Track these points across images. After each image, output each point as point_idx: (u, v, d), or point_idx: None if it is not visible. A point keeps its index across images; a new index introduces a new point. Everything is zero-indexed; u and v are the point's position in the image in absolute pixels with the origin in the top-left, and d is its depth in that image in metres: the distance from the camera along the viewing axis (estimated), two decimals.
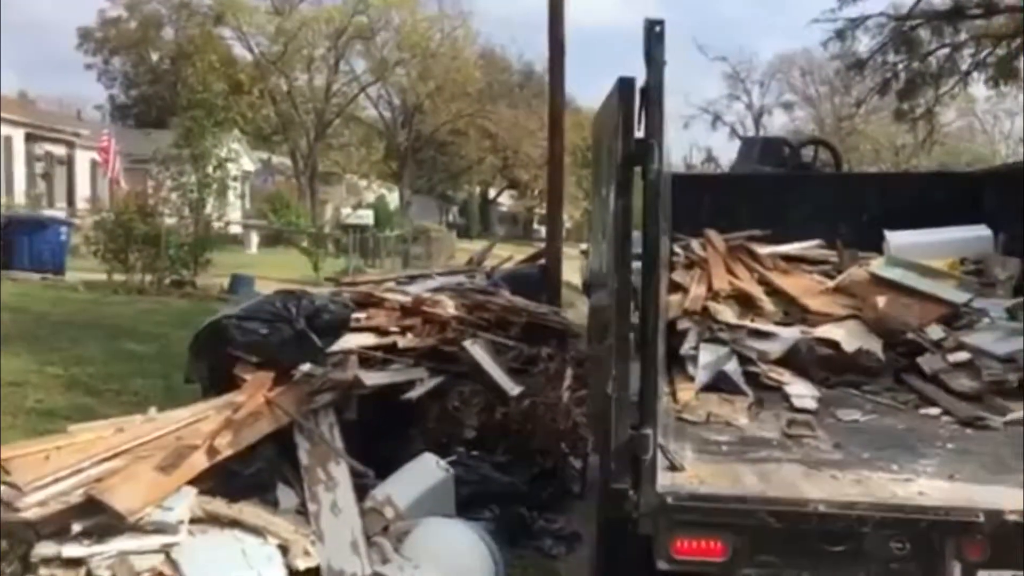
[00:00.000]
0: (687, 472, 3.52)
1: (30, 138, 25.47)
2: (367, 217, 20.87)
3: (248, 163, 34.23)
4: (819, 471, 3.57)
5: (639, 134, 3.24)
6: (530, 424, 5.90)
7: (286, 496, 4.38)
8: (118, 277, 17.24)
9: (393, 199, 45.38)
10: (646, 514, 3.25)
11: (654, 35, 3.17)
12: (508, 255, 13.27)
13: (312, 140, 41.94)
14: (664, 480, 3.32)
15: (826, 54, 26.35)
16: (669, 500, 3.24)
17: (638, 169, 3.25)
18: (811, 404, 4.67)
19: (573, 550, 5.26)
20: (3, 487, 3.69)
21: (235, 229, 27.03)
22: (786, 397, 4.83)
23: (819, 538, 3.17)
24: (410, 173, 47.55)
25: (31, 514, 3.56)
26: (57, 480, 3.65)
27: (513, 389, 5.88)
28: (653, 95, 3.20)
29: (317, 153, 42.06)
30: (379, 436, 5.32)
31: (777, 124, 53.76)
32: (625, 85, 3.27)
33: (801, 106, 55.83)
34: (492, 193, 60.43)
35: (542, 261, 11.25)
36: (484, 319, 6.89)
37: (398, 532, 4.47)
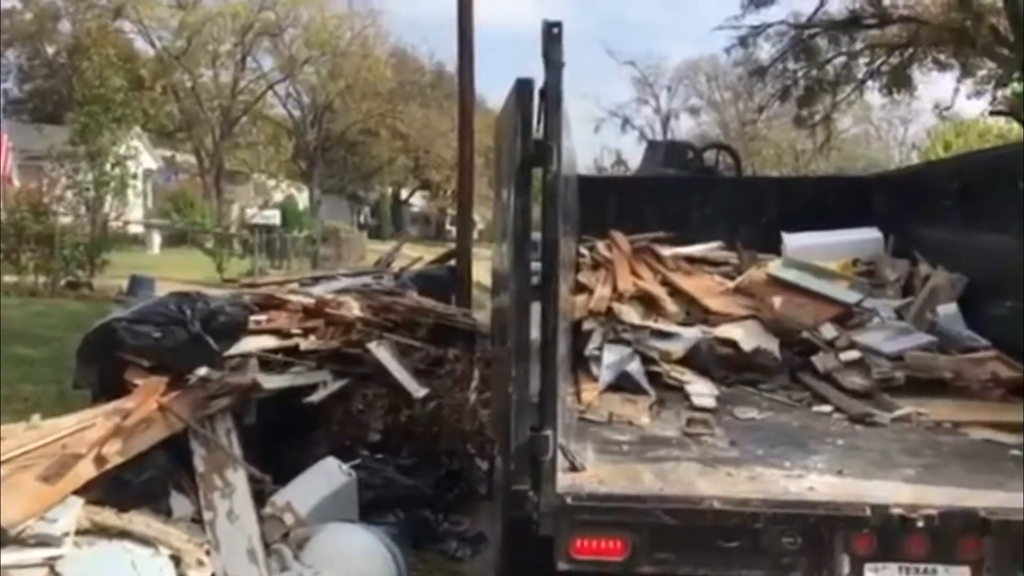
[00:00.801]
0: (587, 472, 3.53)
1: None
2: (274, 217, 20.47)
3: (150, 161, 33.21)
4: (715, 469, 3.63)
5: (538, 135, 3.25)
6: (436, 426, 5.86)
7: (180, 504, 4.24)
8: (9, 279, 16.50)
9: (303, 199, 44.64)
10: (546, 515, 3.25)
11: (552, 36, 3.17)
12: (419, 256, 13.19)
13: (218, 138, 40.95)
14: (564, 481, 3.32)
15: (730, 60, 27.08)
16: (568, 500, 3.25)
17: (538, 171, 3.26)
18: (710, 403, 4.76)
19: (478, 552, 5.24)
20: None
21: (136, 229, 26.19)
22: (687, 396, 4.91)
23: (714, 535, 3.22)
24: (320, 173, 46.87)
25: None
26: None
27: (418, 391, 5.83)
28: (552, 96, 3.21)
29: (223, 151, 41.09)
30: (281, 441, 5.21)
31: (684, 128, 54.95)
32: (523, 86, 3.26)
33: (707, 111, 57.24)
34: (404, 194, 60.03)
35: (452, 262, 11.23)
36: (390, 320, 6.81)
37: (298, 538, 4.38)
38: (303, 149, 46.02)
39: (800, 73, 23.40)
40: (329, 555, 4.15)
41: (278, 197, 42.46)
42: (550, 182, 3.23)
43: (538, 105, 3.26)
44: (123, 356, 4.65)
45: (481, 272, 14.35)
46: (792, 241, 6.88)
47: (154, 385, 4.48)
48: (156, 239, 28.85)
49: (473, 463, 6.15)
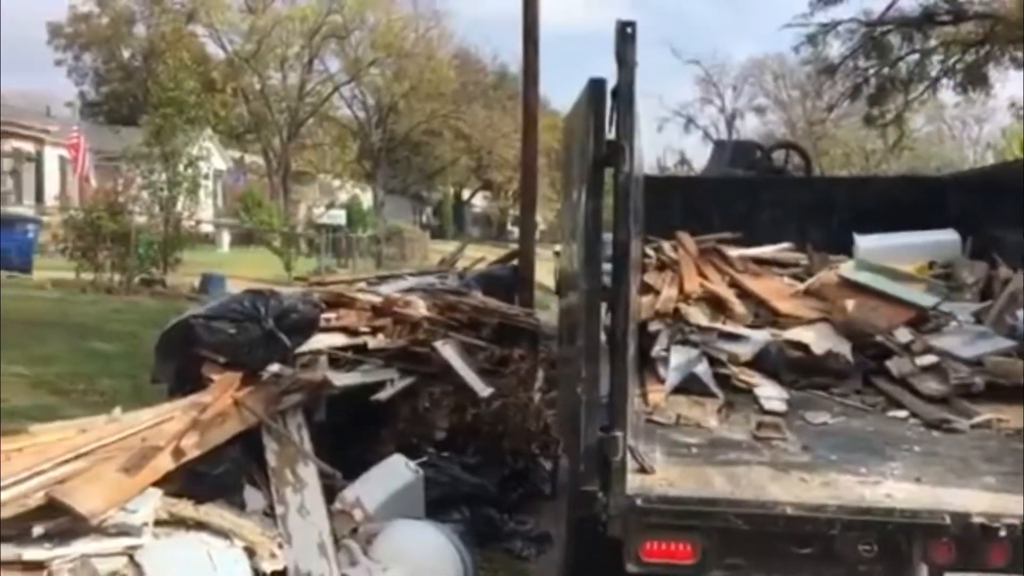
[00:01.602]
0: (657, 474, 3.51)
1: None
2: (340, 217, 20.72)
3: (220, 162, 33.94)
4: (788, 473, 3.58)
5: (610, 135, 3.24)
6: (501, 425, 5.88)
7: (253, 498, 4.32)
8: (86, 276, 17.03)
9: (366, 199, 45.18)
10: (615, 516, 3.24)
11: (625, 36, 3.17)
12: (481, 256, 13.25)
13: (285, 139, 41.64)
14: (634, 482, 3.31)
15: (798, 59, 26.59)
16: (638, 502, 3.24)
17: (609, 171, 3.25)
18: (780, 406, 4.69)
19: (543, 552, 5.24)
20: None
21: (207, 228, 26.80)
22: (756, 399, 4.84)
23: (788, 540, 3.18)
24: (384, 173, 47.35)
25: None
26: (17, 482, 3.57)
27: (484, 390, 5.86)
28: (624, 96, 3.20)
29: (290, 152, 41.77)
30: (349, 437, 5.27)
31: (749, 128, 54.12)
32: (596, 86, 3.25)
33: (773, 110, 56.28)
34: (466, 194, 60.34)
35: (515, 262, 11.25)
36: (455, 320, 6.86)
37: (367, 534, 4.43)
38: (367, 150, 46.53)
39: (871, 71, 22.89)
40: (397, 551, 4.19)
41: (343, 197, 43.05)
42: (622, 182, 3.21)
43: (610, 105, 3.25)
44: (199, 352, 4.76)
45: (542, 273, 14.38)
46: (865, 243, 6.74)
47: (229, 380, 4.58)
48: (226, 238, 29.50)
49: (537, 463, 6.16)
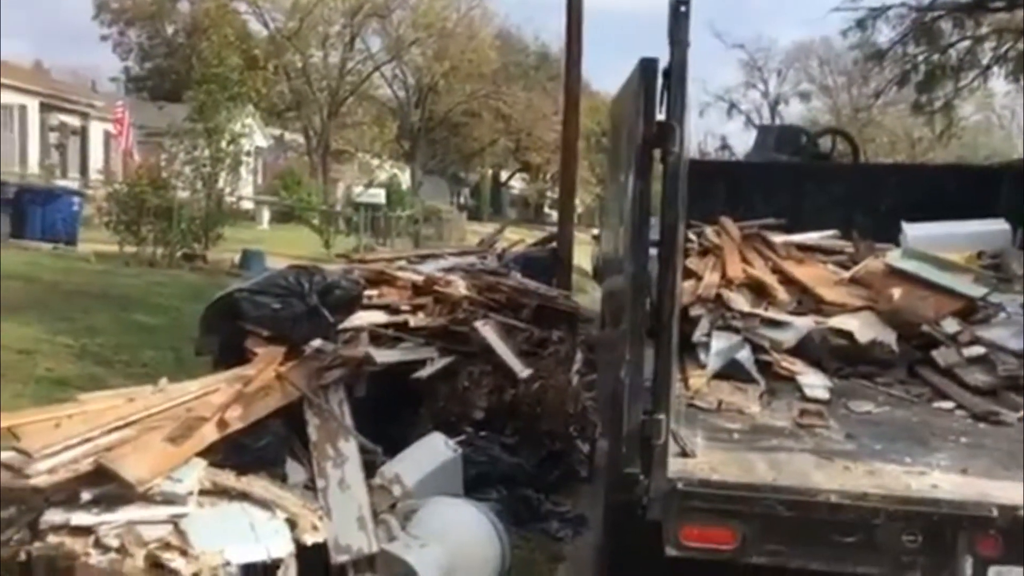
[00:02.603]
0: (698, 459, 3.51)
1: (44, 108, 25.47)
2: (379, 196, 20.76)
3: (261, 139, 34.18)
4: (831, 461, 3.55)
5: (660, 116, 3.21)
6: (539, 406, 5.88)
7: (294, 471, 4.37)
8: (129, 249, 17.25)
9: (404, 179, 45.29)
10: (656, 499, 3.24)
11: (679, 15, 3.13)
12: (519, 238, 13.26)
13: (325, 117, 41.80)
14: (675, 466, 3.31)
15: (845, 43, 26.13)
16: (680, 486, 3.24)
17: (656, 153, 3.22)
18: (823, 394, 4.65)
19: (579, 533, 5.25)
20: (13, 453, 3.69)
21: (247, 204, 27.03)
22: (798, 387, 4.80)
23: (830, 528, 3.16)
24: (422, 153, 47.40)
25: (40, 481, 3.55)
26: (67, 448, 3.64)
27: (523, 371, 5.87)
28: (676, 76, 3.17)
29: (330, 131, 41.94)
30: (388, 414, 5.31)
31: (793, 113, 53.34)
32: (648, 66, 3.23)
33: (818, 96, 55.37)
34: (504, 176, 60.25)
35: (553, 245, 11.24)
36: (495, 300, 6.87)
37: (405, 510, 4.46)
38: (406, 130, 46.58)
39: (920, 58, 22.44)
40: (436, 528, 4.22)
41: (381, 176, 43.20)
42: (672, 164, 3.19)
43: (661, 85, 3.22)
44: (244, 326, 4.81)
45: (580, 256, 14.34)
46: (913, 231, 6.63)
47: (273, 354, 4.62)
48: (265, 215, 29.73)
49: (574, 445, 6.15)
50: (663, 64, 3.21)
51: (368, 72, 44.44)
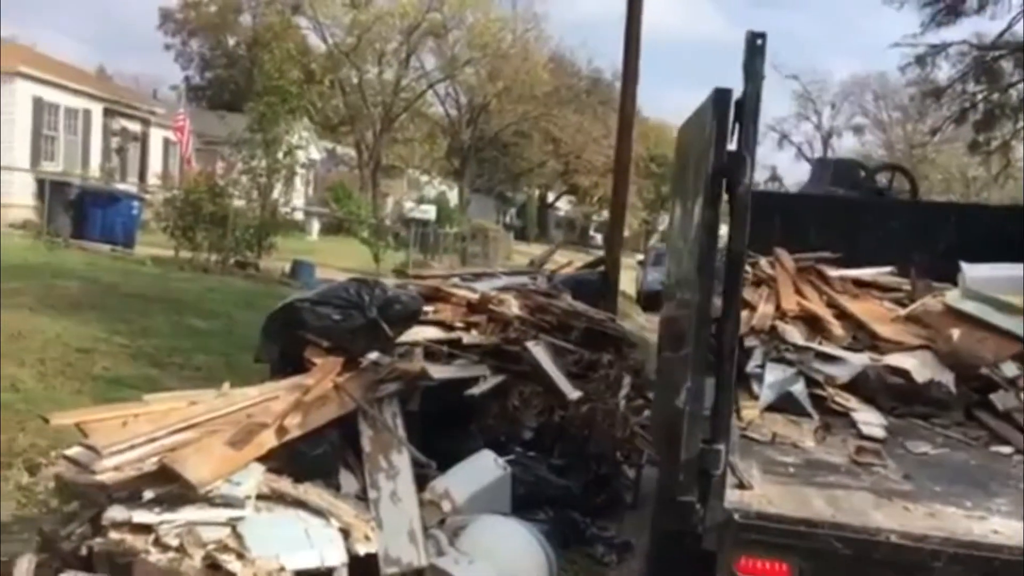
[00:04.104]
0: (755, 491, 3.49)
1: (108, 113, 26.07)
2: (430, 212, 20.92)
3: (314, 151, 34.66)
4: (890, 501, 3.50)
5: (731, 147, 3.23)
6: (587, 429, 5.89)
7: (347, 481, 4.42)
8: (184, 254, 17.58)
9: (452, 196, 45.58)
10: (712, 529, 3.23)
11: (755, 48, 3.16)
12: (568, 260, 13.30)
13: (378, 133, 42.29)
14: (732, 497, 3.30)
15: (903, 79, 25.88)
16: (737, 517, 3.22)
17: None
18: (879, 432, 4.58)
19: (624, 560, 5.24)
20: (81, 449, 3.79)
21: (298, 215, 27.39)
22: (853, 423, 4.74)
23: (887, 568, 3.12)
24: (471, 172, 47.72)
25: (107, 477, 3.65)
26: (133, 447, 3.74)
27: (572, 393, 5.88)
28: (749, 107, 3.19)
29: (382, 146, 42.42)
30: (438, 430, 5.35)
31: (846, 147, 52.89)
32: (721, 96, 3.25)
33: (871, 130, 54.87)
34: (551, 197, 60.40)
35: (602, 268, 11.26)
36: (546, 321, 6.90)
37: (454, 526, 4.49)
38: (456, 148, 46.96)
39: (979, 96, 22.15)
40: (485, 545, 4.24)
41: (430, 193, 43.53)
42: (740, 194, 3.21)
43: (733, 116, 3.25)
44: (303, 335, 4.89)
45: (624, 281, 14.28)
46: (972, 272, 6.51)
47: (331, 365, 4.69)
48: (315, 226, 30.12)
49: (620, 470, 6.15)
50: (736, 95, 3.24)
51: (422, 90, 44.92)
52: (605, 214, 58.83)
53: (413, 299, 5.37)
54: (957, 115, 23.36)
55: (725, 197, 3.29)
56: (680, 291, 3.87)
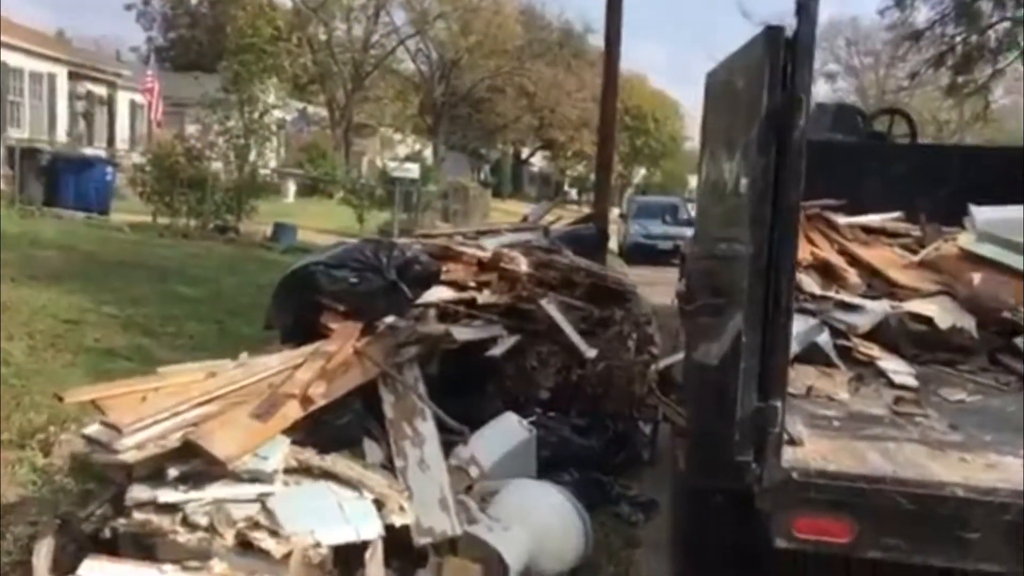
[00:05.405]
0: (808, 447, 3.38)
1: (72, 76, 25.36)
2: (413, 171, 20.52)
3: (285, 112, 33.96)
4: (944, 452, 3.41)
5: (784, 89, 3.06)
6: (604, 387, 5.78)
7: (372, 450, 4.27)
8: (162, 220, 17.20)
9: (426, 155, 45.01)
10: (769, 489, 3.12)
11: None
12: (558, 216, 13.11)
13: (349, 91, 41.55)
14: (788, 455, 3.19)
15: (880, 23, 25.71)
16: (795, 476, 3.12)
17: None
18: (912, 381, 4.50)
19: (651, 518, 5.14)
20: (99, 427, 3.60)
21: (274, 178, 26.88)
22: (881, 373, 4.66)
23: (953, 523, 3.03)
24: (444, 129, 47.12)
25: (128, 456, 3.46)
26: (155, 423, 3.55)
27: (589, 351, 5.75)
28: (804, 46, 3.02)
29: (353, 105, 41.69)
30: (456, 393, 5.20)
31: (819, 93, 52.68)
32: (773, 35, 3.08)
33: (843, 77, 54.69)
34: (525, 153, 59.91)
35: (591, 223, 11.10)
36: (550, 278, 6.75)
37: (483, 492, 4.37)
38: (430, 105, 46.30)
39: (958, 39, 22.04)
40: (518, 511, 4.12)
41: (402, 151, 42.92)
42: (796, 139, 3.06)
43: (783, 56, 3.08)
44: (319, 300, 4.69)
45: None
46: (982, 214, 6.44)
47: (350, 330, 4.51)
48: (291, 188, 29.65)
49: (637, 428, 6.04)
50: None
51: (392, 46, 44.14)
52: (580, 168, 58.64)
53: (432, 259, 5.18)
54: (935, 58, 23.25)
55: None
56: (722, 244, 3.72)
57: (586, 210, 17.41)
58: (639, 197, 33.95)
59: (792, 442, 3.37)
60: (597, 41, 44.53)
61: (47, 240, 13.02)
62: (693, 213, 27.41)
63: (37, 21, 36.15)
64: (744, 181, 3.29)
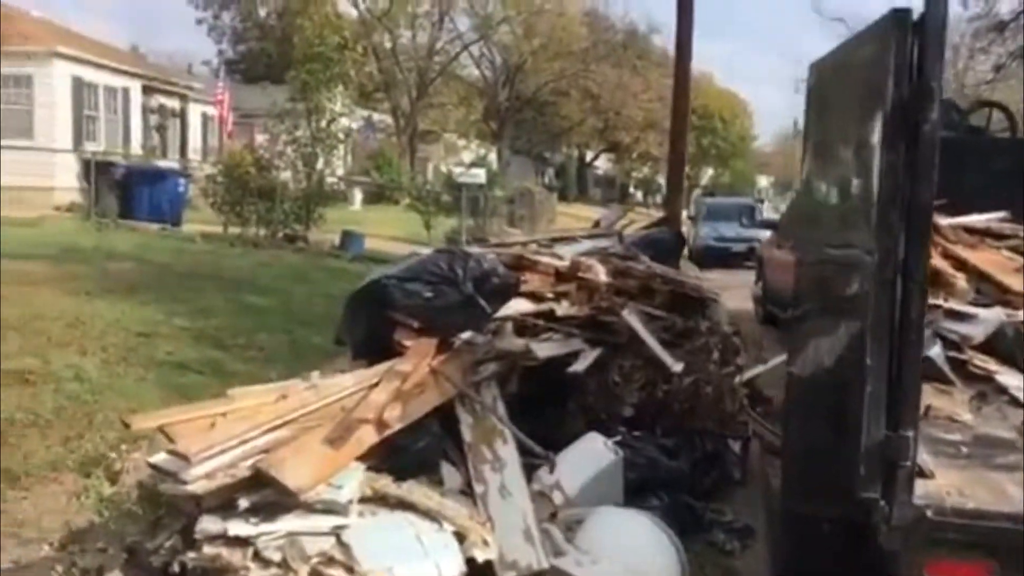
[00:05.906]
0: (939, 480, 3.02)
1: (146, 90, 25.79)
2: (480, 176, 20.30)
3: (352, 120, 34.14)
4: None
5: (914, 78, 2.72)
6: (692, 404, 5.43)
7: (450, 475, 4.01)
8: (233, 230, 17.30)
9: (490, 160, 44.89)
10: (899, 528, 2.77)
11: None
12: (629, 219, 12.77)
13: (413, 98, 41.66)
14: (919, 489, 2.83)
15: (960, 14, 24.77)
16: (929, 514, 2.76)
17: None
18: None
19: (747, 546, 4.77)
20: (167, 456, 3.41)
21: (341, 186, 26.96)
22: (1003, 389, 4.24)
23: None
24: (509, 133, 46.96)
25: (197, 487, 3.26)
26: (224, 451, 3.35)
27: (675, 365, 5.41)
28: (934, 30, 2.68)
29: (417, 111, 41.79)
30: (536, 411, 4.92)
31: None
32: (901, 17, 2.74)
33: None
34: (589, 156, 59.43)
35: (663, 227, 10.73)
36: (629, 286, 6.42)
37: (568, 520, 4.08)
38: (493, 110, 46.20)
39: None
40: (608, 542, 3.82)
41: (467, 157, 42.89)
42: (928, 133, 2.71)
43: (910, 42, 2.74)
44: (392, 315, 4.45)
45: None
46: None
47: (425, 347, 4.26)
48: (358, 195, 29.74)
49: (727, 446, 5.67)
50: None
51: (456, 52, 44.14)
52: (646, 170, 57.83)
53: (510, 272, 4.90)
54: (1021, 50, 22.35)
55: None
56: (835, 250, 3.37)
57: (654, 213, 17.03)
58: (708, 199, 33.20)
59: (921, 474, 3.01)
60: (662, 41, 43.98)
61: (121, 253, 13.15)
62: (767, 214, 26.77)
63: (112, 37, 37.14)
64: (863, 182, 2.95)
